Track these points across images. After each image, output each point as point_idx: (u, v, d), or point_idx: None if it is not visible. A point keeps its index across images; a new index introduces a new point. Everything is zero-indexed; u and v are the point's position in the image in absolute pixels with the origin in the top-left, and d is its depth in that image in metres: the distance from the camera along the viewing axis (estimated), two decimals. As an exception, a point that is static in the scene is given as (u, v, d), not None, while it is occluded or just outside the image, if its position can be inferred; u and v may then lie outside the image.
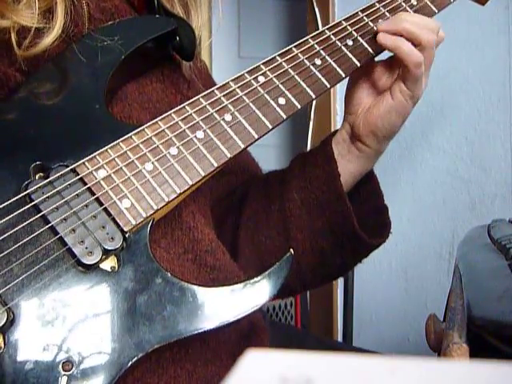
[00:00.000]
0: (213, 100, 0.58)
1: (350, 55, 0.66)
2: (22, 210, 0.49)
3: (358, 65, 0.66)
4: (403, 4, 0.71)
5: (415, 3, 0.72)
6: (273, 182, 0.74)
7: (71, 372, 0.45)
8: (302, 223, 0.70)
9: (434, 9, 0.73)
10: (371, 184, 0.76)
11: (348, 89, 0.72)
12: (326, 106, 1.88)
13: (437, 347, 0.52)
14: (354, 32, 0.67)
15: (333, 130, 1.87)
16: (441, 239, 1.63)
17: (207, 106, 0.58)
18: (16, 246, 0.48)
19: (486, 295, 0.50)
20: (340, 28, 0.67)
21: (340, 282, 1.80)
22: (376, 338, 1.72)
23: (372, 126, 0.69)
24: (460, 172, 1.61)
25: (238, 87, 0.60)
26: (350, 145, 0.71)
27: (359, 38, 0.68)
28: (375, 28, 0.68)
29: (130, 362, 0.47)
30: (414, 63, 0.65)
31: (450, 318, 0.49)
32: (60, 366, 0.45)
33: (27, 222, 0.49)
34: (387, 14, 0.69)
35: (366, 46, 0.68)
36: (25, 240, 0.48)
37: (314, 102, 1.89)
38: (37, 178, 0.51)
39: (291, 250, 0.55)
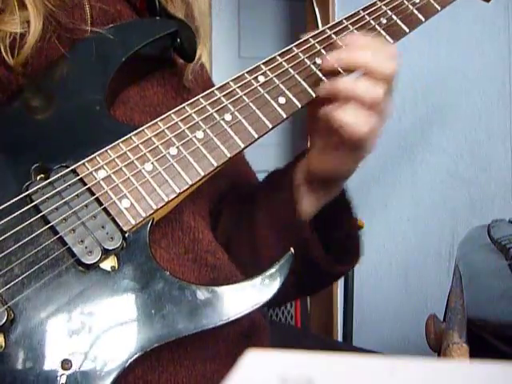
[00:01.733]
0: (213, 100, 0.58)
1: None
2: (22, 210, 0.49)
3: None
4: (405, 2, 0.70)
5: (418, 1, 0.71)
6: (246, 199, 0.73)
7: (71, 371, 0.46)
8: (271, 242, 0.69)
9: (437, 6, 0.72)
10: (342, 212, 0.72)
11: (307, 120, 0.68)
12: (326, 106, 1.88)
13: (437, 347, 0.52)
14: (355, 31, 0.66)
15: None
16: (441, 239, 1.63)
17: (207, 106, 0.58)
18: (16, 245, 0.48)
19: (486, 295, 0.50)
20: (341, 27, 0.66)
21: (340, 281, 1.80)
22: (376, 337, 1.72)
23: (310, 170, 0.65)
24: (460, 172, 1.61)
25: (238, 87, 0.59)
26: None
27: None
28: (377, 27, 0.67)
29: (129, 361, 0.47)
30: (358, 136, 0.58)
31: (450, 317, 0.49)
32: (59, 365, 0.46)
33: (27, 222, 0.49)
34: (389, 12, 0.69)
35: None
36: (25, 240, 0.48)
37: (314, 102, 1.89)
38: (38, 179, 0.51)
39: (292, 249, 0.55)
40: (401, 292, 1.71)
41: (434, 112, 1.66)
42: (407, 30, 0.69)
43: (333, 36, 0.65)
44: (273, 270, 0.53)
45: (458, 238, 1.57)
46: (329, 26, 0.66)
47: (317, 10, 1.93)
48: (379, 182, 1.78)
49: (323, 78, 0.63)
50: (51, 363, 0.46)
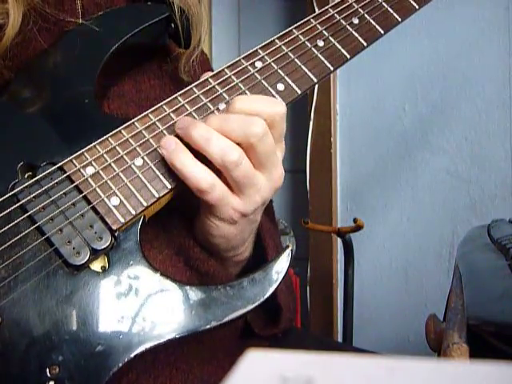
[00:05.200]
0: (206, 89, 0.55)
1: (356, 34, 0.61)
2: (8, 210, 0.48)
3: (365, 45, 0.61)
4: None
5: None
6: None
7: (58, 375, 0.45)
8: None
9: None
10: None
11: None
12: (326, 106, 1.88)
13: (437, 347, 0.52)
14: (360, 9, 0.63)
15: (333, 130, 1.88)
16: (441, 239, 1.63)
17: (200, 96, 0.55)
18: (2, 247, 0.46)
19: (486, 295, 0.50)
20: (345, 5, 0.63)
21: (340, 282, 1.80)
22: (376, 337, 1.72)
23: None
24: (460, 172, 1.61)
25: (234, 74, 0.56)
26: None
27: (366, 16, 0.63)
28: (384, 4, 0.64)
29: (117, 366, 0.46)
30: (197, 190, 0.51)
31: (450, 317, 0.49)
32: (47, 370, 0.45)
33: (14, 222, 0.47)
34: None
35: (373, 23, 0.63)
36: (11, 241, 0.47)
37: (314, 102, 1.89)
38: (25, 177, 0.50)
39: (290, 245, 0.54)
40: (401, 292, 1.71)
41: (434, 112, 1.66)
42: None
43: (336, 15, 0.62)
44: (271, 266, 0.52)
45: (458, 238, 1.57)
46: (331, 4, 0.63)
47: (317, 9, 1.93)
48: (379, 182, 1.78)
49: (325, 60, 0.59)
50: (38, 368, 0.44)
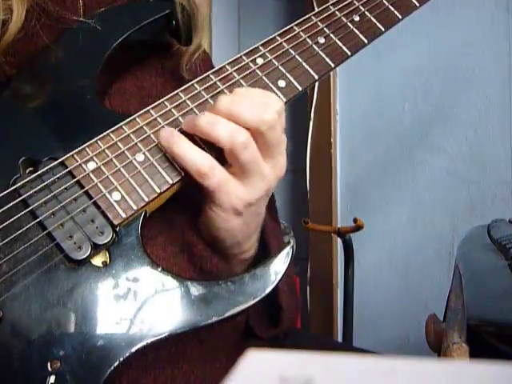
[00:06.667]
0: (208, 85, 0.56)
1: (357, 32, 0.62)
2: (10, 205, 0.48)
3: (366, 42, 0.62)
4: None
5: None
6: None
7: (59, 370, 0.45)
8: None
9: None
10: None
11: None
12: (326, 106, 1.88)
13: (437, 347, 0.52)
14: (361, 7, 0.63)
15: (333, 130, 1.88)
16: (441, 239, 1.63)
17: (202, 92, 0.55)
18: (4, 242, 0.47)
19: (486, 295, 0.50)
20: (346, 3, 0.63)
21: (340, 281, 1.80)
22: (376, 337, 1.72)
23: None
24: (460, 172, 1.61)
25: (235, 70, 0.57)
26: None
27: (367, 13, 0.63)
28: (384, 2, 0.64)
29: (118, 361, 0.46)
30: (198, 174, 0.51)
31: (450, 317, 0.49)
32: (48, 364, 0.45)
33: (15, 217, 0.48)
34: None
35: (374, 21, 0.63)
36: (13, 236, 0.47)
37: (314, 102, 1.89)
38: (27, 172, 0.50)
39: (291, 241, 0.54)
40: (401, 292, 1.71)
41: (434, 112, 1.66)
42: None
43: (337, 13, 0.62)
44: (273, 261, 0.52)
45: (458, 238, 1.57)
46: (333, 2, 0.63)
47: (317, 10, 1.93)
48: (379, 182, 1.78)
49: (326, 57, 0.59)
50: (39, 363, 0.45)
